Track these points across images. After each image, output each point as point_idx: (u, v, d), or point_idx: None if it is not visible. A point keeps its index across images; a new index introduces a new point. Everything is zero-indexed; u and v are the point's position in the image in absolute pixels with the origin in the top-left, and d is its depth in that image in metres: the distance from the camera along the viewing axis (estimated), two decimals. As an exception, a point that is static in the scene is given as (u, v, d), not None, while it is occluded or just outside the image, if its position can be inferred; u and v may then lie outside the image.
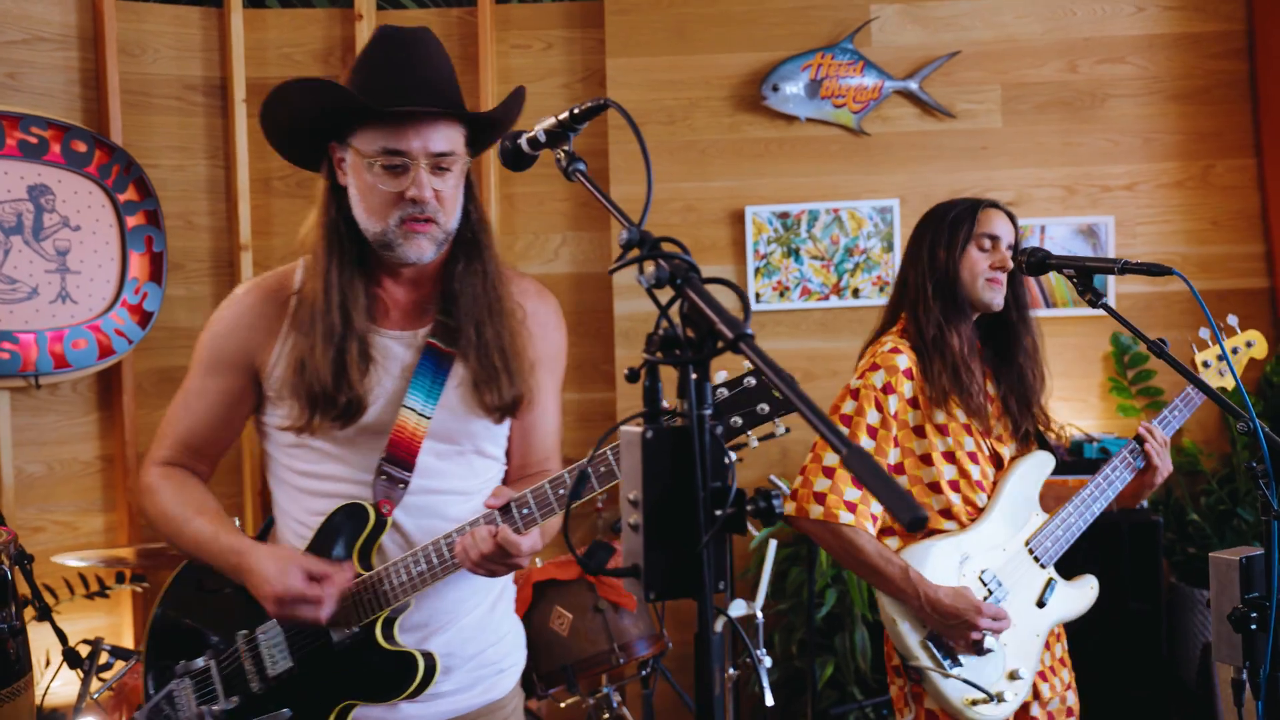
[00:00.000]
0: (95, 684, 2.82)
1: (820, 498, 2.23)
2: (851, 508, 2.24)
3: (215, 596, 1.85)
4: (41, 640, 3.19)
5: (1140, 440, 2.37)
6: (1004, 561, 2.32)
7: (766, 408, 1.65)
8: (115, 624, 3.97)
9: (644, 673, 3.20)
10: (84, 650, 2.89)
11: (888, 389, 2.28)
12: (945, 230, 2.36)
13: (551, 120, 1.41)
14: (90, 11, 3.93)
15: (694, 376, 1.12)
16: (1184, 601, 3.75)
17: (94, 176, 3.79)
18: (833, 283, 4.07)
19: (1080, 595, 2.40)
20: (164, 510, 1.83)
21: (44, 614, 2.89)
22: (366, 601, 1.76)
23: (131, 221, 3.87)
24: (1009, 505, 2.35)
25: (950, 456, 2.32)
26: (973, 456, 2.34)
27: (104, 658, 2.85)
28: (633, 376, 1.17)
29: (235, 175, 4.09)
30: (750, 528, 3.46)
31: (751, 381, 1.66)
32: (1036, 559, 2.34)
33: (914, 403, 2.31)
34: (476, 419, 1.82)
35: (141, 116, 4.02)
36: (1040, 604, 2.33)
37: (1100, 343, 4.03)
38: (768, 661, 1.69)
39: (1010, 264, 2.34)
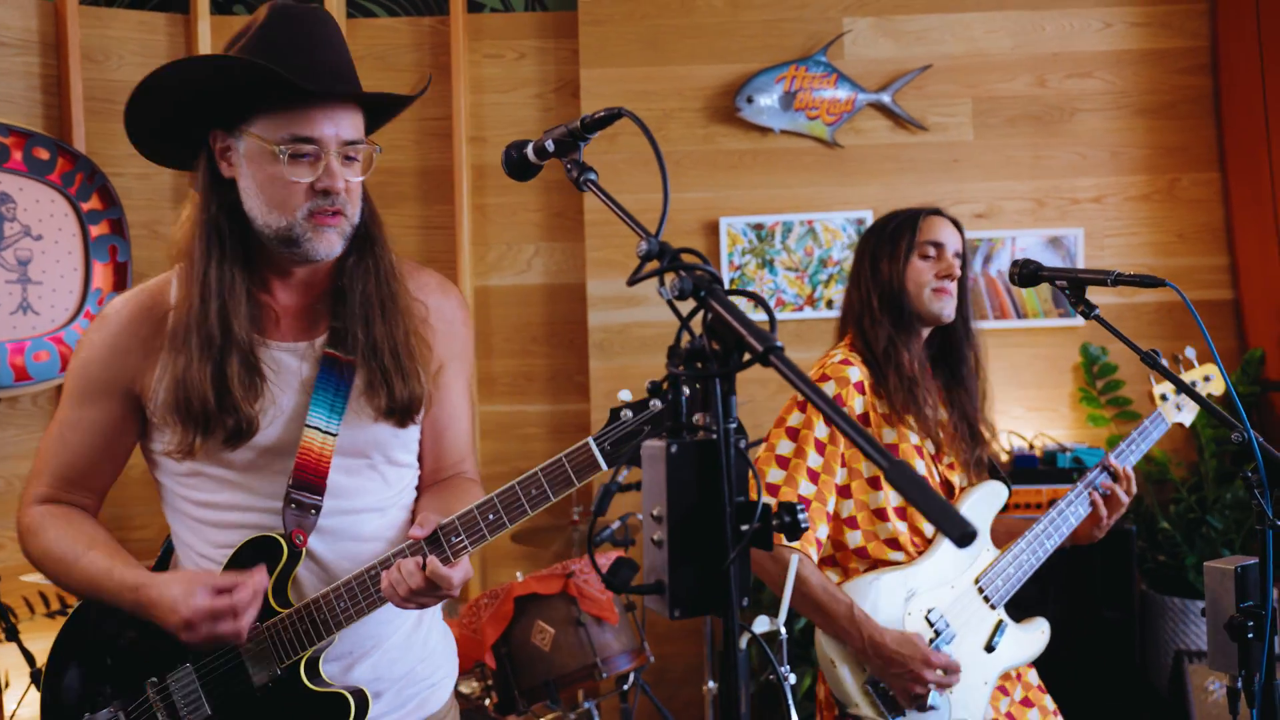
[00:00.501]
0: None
1: None
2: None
3: (116, 642, 1.70)
4: (5, 661, 3.08)
5: (1108, 474, 2.24)
6: (952, 600, 2.17)
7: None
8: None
9: (624, 687, 3.17)
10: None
11: (837, 402, 2.10)
12: (887, 241, 2.28)
13: (561, 129, 1.39)
14: (52, 17, 3.85)
15: (719, 389, 1.10)
16: (1155, 609, 3.79)
17: (56, 185, 3.71)
18: (807, 294, 4.08)
19: (1031, 639, 2.26)
20: (48, 550, 1.68)
21: (11, 634, 2.80)
22: (288, 641, 1.63)
23: (95, 231, 3.78)
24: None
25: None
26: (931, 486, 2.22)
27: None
28: (655, 389, 1.16)
29: (202, 184, 4.01)
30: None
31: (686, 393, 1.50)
32: (986, 598, 2.20)
33: (864, 419, 2.18)
34: (379, 425, 1.69)
35: (105, 124, 3.93)
36: (989, 648, 2.18)
37: (1070, 353, 4.08)
38: (793, 679, 1.66)
39: (958, 271, 2.26)
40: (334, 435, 1.66)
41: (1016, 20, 4.08)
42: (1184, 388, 1.90)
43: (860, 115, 4.06)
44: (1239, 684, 1.78)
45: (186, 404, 1.59)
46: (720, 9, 4.09)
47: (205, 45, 4.01)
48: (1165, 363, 2.03)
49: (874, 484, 2.17)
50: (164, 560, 1.81)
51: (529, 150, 1.46)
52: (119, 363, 1.66)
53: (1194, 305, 3.97)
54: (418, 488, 1.82)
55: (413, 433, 1.76)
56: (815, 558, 2.11)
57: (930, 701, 2.04)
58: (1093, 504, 2.24)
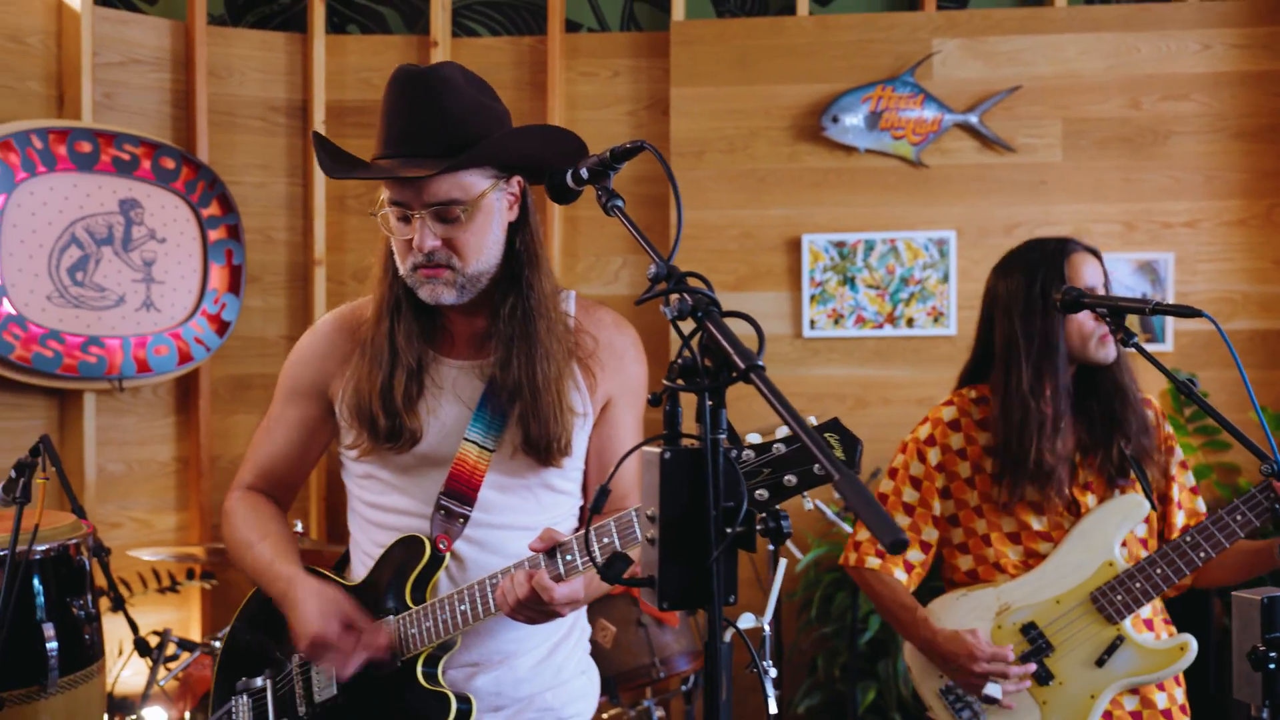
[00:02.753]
0: (162, 673, 2.98)
1: (856, 545, 2.33)
2: (881, 554, 2.28)
3: (279, 620, 1.85)
4: (114, 631, 3.36)
5: (1267, 486, 2.04)
6: (1057, 615, 2.16)
7: (794, 480, 1.41)
8: (184, 618, 4.15)
9: (685, 688, 3.27)
10: (153, 641, 3.05)
11: (930, 441, 2.29)
12: (1038, 297, 2.18)
13: (594, 159, 1.51)
14: (183, 36, 4.16)
15: (710, 403, 1.21)
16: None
17: (180, 192, 4.00)
18: (887, 311, 4.12)
19: (1164, 656, 2.17)
20: (234, 533, 1.88)
21: (118, 604, 3.05)
22: (411, 636, 1.74)
23: (213, 235, 4.07)
24: (1074, 552, 2.18)
25: (1008, 507, 2.22)
26: (1035, 506, 2.21)
27: (171, 649, 3.01)
28: (655, 401, 1.27)
29: (312, 193, 4.28)
30: (795, 551, 3.51)
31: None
32: (1100, 612, 2.16)
33: (963, 453, 2.28)
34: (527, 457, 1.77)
35: (226, 135, 4.23)
36: (1099, 662, 2.14)
37: (1158, 380, 3.98)
38: (773, 672, 1.75)
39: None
40: (490, 451, 1.76)
41: (1110, 42, 4.05)
42: (1221, 420, 1.90)
43: (947, 135, 4.08)
44: (1264, 715, 1.79)
45: (358, 406, 1.77)
46: (809, 30, 4.16)
47: (320, 64, 4.27)
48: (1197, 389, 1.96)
49: (979, 513, 2.26)
50: (343, 559, 1.98)
51: (567, 177, 1.59)
52: (318, 367, 1.86)
53: (1290, 334, 3.91)
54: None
55: (572, 463, 1.81)
56: (905, 576, 2.29)
57: (989, 693, 2.10)
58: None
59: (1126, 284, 4.02)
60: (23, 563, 2.15)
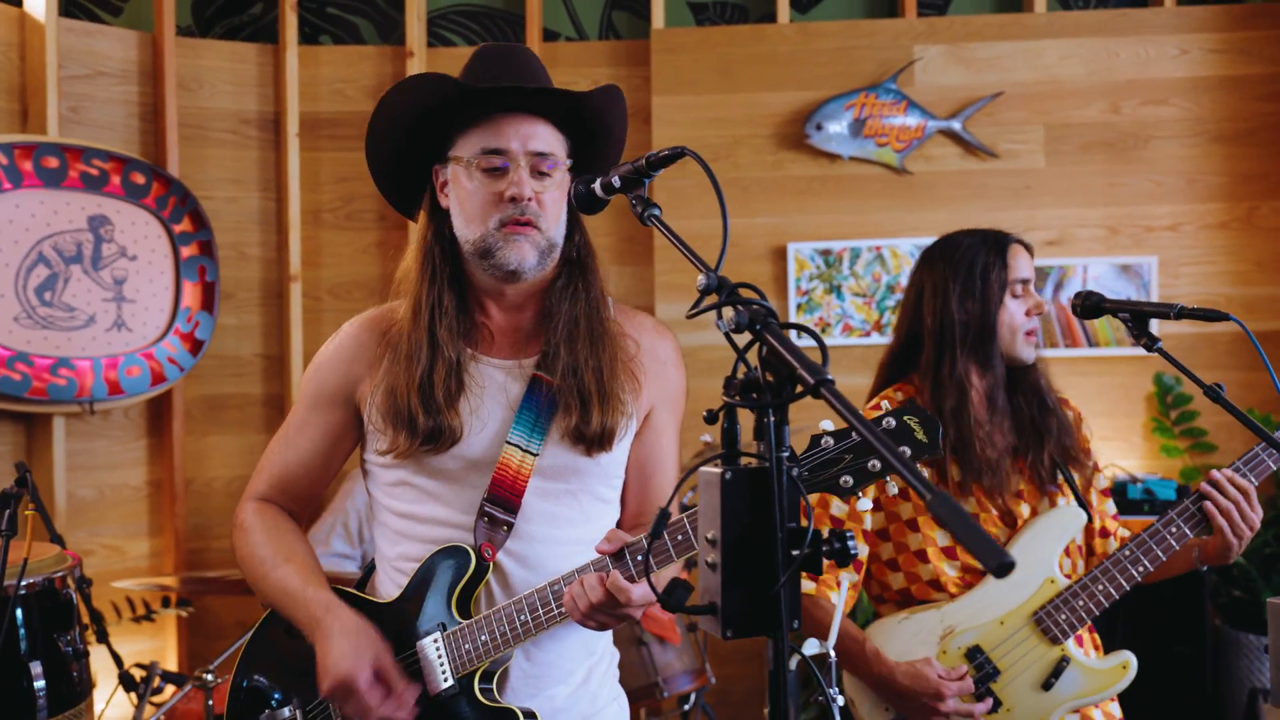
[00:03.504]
0: (149, 709, 2.86)
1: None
2: (814, 576, 2.05)
3: (301, 645, 1.71)
4: (94, 664, 3.22)
5: (1200, 498, 2.01)
6: (1002, 637, 2.06)
7: (908, 450, 1.51)
8: (160, 647, 4.02)
9: (685, 708, 3.21)
10: (138, 674, 2.93)
11: None
12: (975, 278, 2.12)
13: (628, 166, 1.45)
14: (150, 48, 4.04)
15: (772, 420, 1.15)
16: (1230, 645, 3.71)
17: (151, 208, 3.88)
18: (874, 319, 4.09)
19: (1105, 675, 2.08)
20: (252, 551, 1.75)
21: (102, 637, 2.93)
22: (465, 651, 1.65)
23: (186, 252, 3.95)
24: (1015, 569, 2.07)
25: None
26: (974, 519, 2.09)
27: (157, 682, 2.89)
28: (711, 418, 1.21)
29: (286, 207, 4.17)
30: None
31: (890, 423, 1.53)
32: (1044, 633, 2.06)
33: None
34: (577, 454, 1.70)
35: (197, 149, 4.12)
36: (1046, 686, 2.04)
37: (1143, 383, 4.03)
38: (840, 700, 1.69)
39: (1045, 307, 2.15)
40: (534, 455, 1.68)
41: (1090, 47, 4.06)
42: (1248, 423, 1.88)
43: (930, 142, 4.07)
44: (1303, 722, 1.76)
45: (395, 407, 1.67)
46: (791, 37, 4.14)
47: (293, 75, 4.17)
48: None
49: (912, 526, 2.12)
50: (365, 578, 1.87)
51: (596, 186, 1.52)
52: (345, 370, 1.76)
53: (1272, 336, 3.93)
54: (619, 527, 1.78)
55: (615, 468, 1.76)
56: (841, 599, 2.06)
57: None
58: (1208, 515, 2.01)
59: (1111, 288, 4.02)
60: (10, 598, 2.04)
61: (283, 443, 1.81)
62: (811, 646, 1.74)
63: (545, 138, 1.68)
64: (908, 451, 1.51)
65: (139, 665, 2.96)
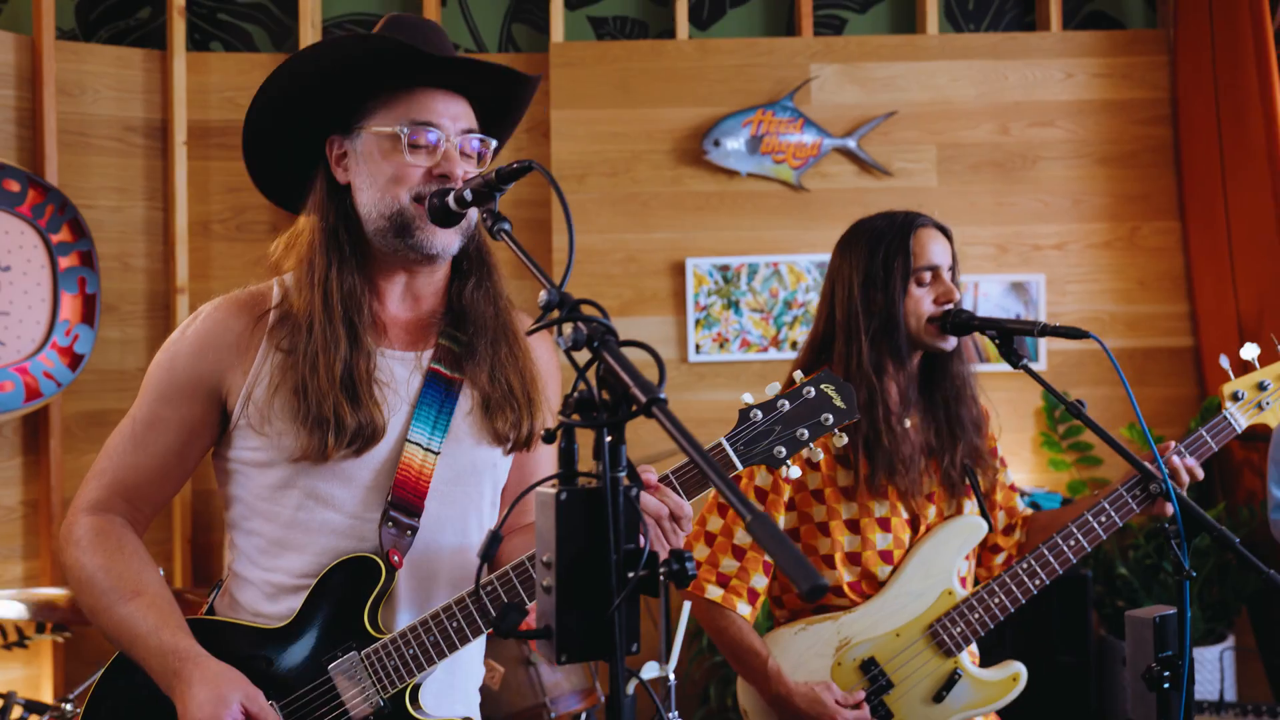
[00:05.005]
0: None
1: (724, 580, 2.06)
2: (724, 582, 2.04)
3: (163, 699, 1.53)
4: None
5: (1147, 481, 1.92)
6: (898, 650, 2.04)
7: (830, 418, 1.59)
8: (33, 676, 3.85)
9: (576, 727, 3.17)
10: (-4, 704, 2.79)
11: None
12: (879, 268, 2.08)
13: (478, 180, 1.42)
14: (29, 51, 3.90)
15: (609, 439, 1.13)
16: (1113, 654, 3.80)
17: (26, 216, 3.73)
18: (771, 335, 4.12)
19: (994, 686, 2.09)
20: (91, 578, 1.56)
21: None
22: (392, 668, 1.55)
23: (64, 262, 3.81)
24: (913, 580, 2.05)
25: (854, 525, 2.05)
26: (883, 523, 2.06)
27: (16, 712, 2.76)
28: (549, 438, 1.18)
29: (174, 218, 4.05)
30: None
31: (810, 393, 1.61)
32: (939, 646, 2.05)
33: (813, 464, 2.06)
34: (487, 448, 1.64)
35: (79, 157, 3.97)
36: (938, 698, 2.04)
37: (1033, 397, 4.11)
38: None
39: (957, 294, 2.08)
40: (435, 454, 1.60)
41: (980, 69, 4.15)
42: (1108, 440, 1.92)
43: (826, 160, 4.12)
44: (1158, 733, 1.79)
45: (307, 406, 1.53)
46: (690, 54, 4.15)
47: (181, 82, 4.06)
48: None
49: (823, 529, 2.07)
50: (210, 605, 1.71)
51: (450, 199, 1.50)
52: (211, 358, 1.58)
53: (1154, 352, 4.05)
54: (500, 532, 1.70)
55: (505, 469, 1.73)
56: (749, 608, 2.05)
57: None
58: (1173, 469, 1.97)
59: (1000, 304, 4.11)
60: None
61: (129, 441, 1.60)
62: (650, 670, 1.72)
63: (470, 118, 1.62)
64: (830, 418, 1.59)
65: (-2, 695, 2.81)
